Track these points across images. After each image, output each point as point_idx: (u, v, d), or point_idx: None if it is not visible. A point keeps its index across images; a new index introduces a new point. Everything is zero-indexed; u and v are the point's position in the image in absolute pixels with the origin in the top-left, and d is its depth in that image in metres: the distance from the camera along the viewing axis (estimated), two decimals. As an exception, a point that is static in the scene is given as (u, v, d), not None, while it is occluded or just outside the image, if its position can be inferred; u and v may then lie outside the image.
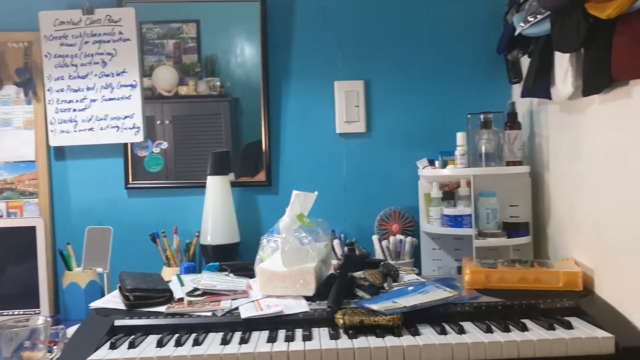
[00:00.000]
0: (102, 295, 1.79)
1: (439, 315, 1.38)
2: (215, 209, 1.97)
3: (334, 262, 1.76)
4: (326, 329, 1.34)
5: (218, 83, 2.10)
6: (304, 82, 2.11)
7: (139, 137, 2.04)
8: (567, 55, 1.48)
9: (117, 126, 2.04)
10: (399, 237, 1.98)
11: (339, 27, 2.11)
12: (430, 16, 2.10)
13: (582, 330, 1.29)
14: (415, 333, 1.29)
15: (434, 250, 2.00)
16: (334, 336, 1.28)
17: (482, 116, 1.89)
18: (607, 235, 1.46)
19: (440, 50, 2.11)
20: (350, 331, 1.29)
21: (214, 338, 1.31)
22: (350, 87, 2.10)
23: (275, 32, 2.10)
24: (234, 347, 1.24)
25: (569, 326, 1.31)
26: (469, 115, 1.92)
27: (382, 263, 1.65)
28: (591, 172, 1.54)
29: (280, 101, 2.11)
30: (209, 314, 1.40)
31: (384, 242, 1.97)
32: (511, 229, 1.84)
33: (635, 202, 1.32)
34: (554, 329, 1.30)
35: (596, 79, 1.38)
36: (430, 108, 2.11)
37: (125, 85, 2.03)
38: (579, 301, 1.44)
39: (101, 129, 2.04)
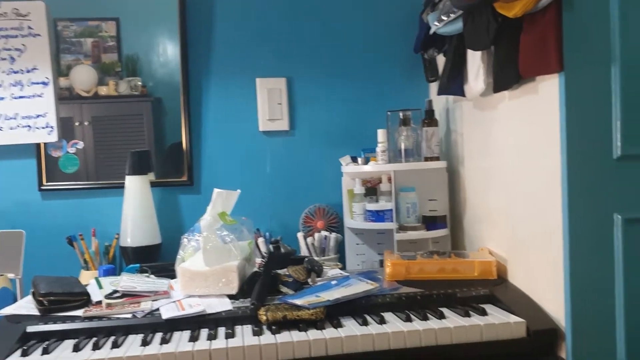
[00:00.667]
0: (15, 302, 1.70)
1: (361, 307, 1.41)
2: (134, 209, 1.92)
3: (259, 260, 1.76)
4: (250, 326, 1.34)
5: (140, 83, 2.05)
6: (225, 80, 2.09)
7: (53, 137, 1.96)
8: (478, 53, 1.55)
9: (28, 125, 1.95)
10: (324, 233, 2.00)
11: (260, 24, 2.10)
12: (350, 15, 2.13)
13: (496, 317, 1.35)
14: (338, 325, 1.31)
15: (357, 245, 2.03)
16: (257, 332, 1.28)
17: (401, 114, 1.94)
18: (518, 226, 1.53)
19: (360, 49, 2.14)
20: (274, 327, 1.30)
21: (134, 340, 1.28)
22: (273, 85, 2.10)
23: (195, 30, 2.07)
24: (154, 348, 1.22)
25: (483, 313, 1.37)
26: (388, 113, 1.97)
27: (306, 259, 1.66)
28: (501, 166, 1.61)
29: (202, 99, 2.08)
30: (129, 316, 1.36)
31: (309, 239, 1.98)
32: (430, 222, 1.90)
33: (542, 194, 1.39)
34: (469, 316, 1.35)
35: (505, 76, 1.44)
36: (352, 106, 2.14)
37: (37, 83, 1.94)
38: (493, 289, 1.50)
39: (11, 129, 1.95)
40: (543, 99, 1.36)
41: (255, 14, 2.10)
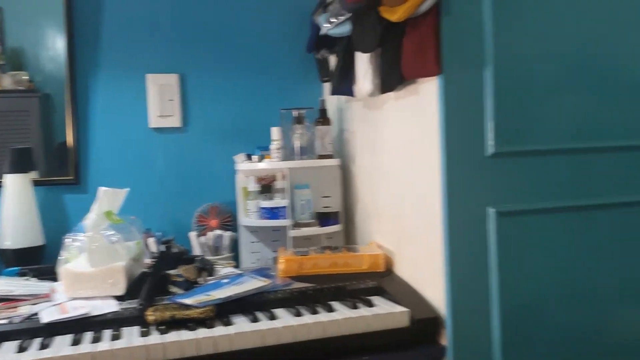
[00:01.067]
0: None
1: (252, 305, 1.41)
2: (14, 209, 1.81)
3: (148, 260, 1.72)
4: (137, 327, 1.31)
5: (26, 77, 1.93)
6: (115, 75, 2.02)
7: None
8: (366, 55, 1.60)
9: None
10: (218, 232, 1.98)
11: (152, 19, 2.05)
12: (244, 12, 2.13)
13: (382, 307, 1.40)
14: (228, 323, 1.31)
15: (252, 243, 2.04)
16: (145, 333, 1.25)
17: (294, 112, 1.96)
18: (403, 220, 1.60)
19: (255, 47, 2.14)
20: (162, 327, 1.28)
21: (9, 347, 1.21)
22: (165, 81, 2.05)
23: (83, 23, 1.98)
24: (32, 354, 1.16)
25: (370, 304, 1.42)
26: (282, 111, 1.99)
27: (197, 258, 1.65)
28: (388, 164, 1.68)
29: (89, 95, 2.00)
30: (5, 321, 1.29)
31: (203, 238, 1.96)
32: (324, 219, 1.94)
33: (423, 190, 1.46)
34: (357, 307, 1.40)
35: (390, 78, 1.50)
36: (247, 103, 2.14)
37: None
38: (380, 281, 1.56)
39: None
40: (424, 100, 1.44)
41: (145, 8, 2.04)
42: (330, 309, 1.39)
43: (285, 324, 1.29)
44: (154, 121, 2.05)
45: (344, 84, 1.73)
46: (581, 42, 1.43)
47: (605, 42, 1.45)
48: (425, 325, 1.38)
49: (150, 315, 1.29)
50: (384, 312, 1.37)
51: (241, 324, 1.30)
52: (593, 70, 1.44)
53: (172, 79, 2.06)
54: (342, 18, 1.60)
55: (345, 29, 1.61)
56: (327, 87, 2.11)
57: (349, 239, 2.02)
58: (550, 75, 1.41)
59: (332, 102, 2.09)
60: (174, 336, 1.23)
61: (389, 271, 1.66)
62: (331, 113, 2.06)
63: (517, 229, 1.40)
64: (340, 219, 1.98)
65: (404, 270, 1.61)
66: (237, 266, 1.84)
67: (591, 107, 1.45)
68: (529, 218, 1.41)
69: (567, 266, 1.43)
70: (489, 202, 1.38)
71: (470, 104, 1.36)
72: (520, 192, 1.40)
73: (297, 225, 1.90)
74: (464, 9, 1.34)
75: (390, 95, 1.61)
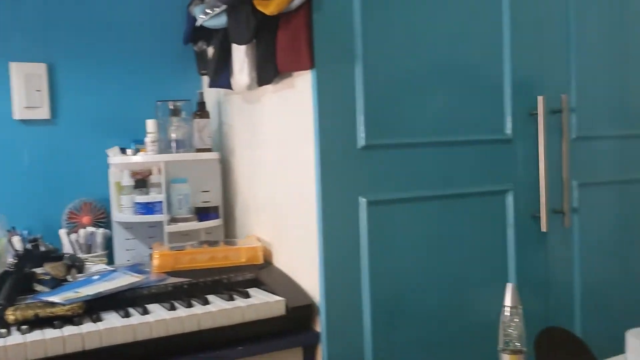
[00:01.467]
0: None
1: (125, 300, 1.38)
2: None
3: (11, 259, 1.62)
4: (-5, 328, 1.23)
5: None
6: (-28, 63, 1.88)
7: None
8: (243, 47, 1.60)
9: None
10: (90, 229, 1.90)
11: (16, 5, 1.92)
12: (120, 2, 2.05)
13: (258, 298, 1.42)
14: (97, 320, 1.26)
15: (127, 240, 1.97)
16: (4, 334, 1.18)
17: (171, 104, 1.92)
18: (280, 213, 1.63)
19: (131, 37, 2.07)
20: (24, 326, 1.21)
21: None
22: (31, 70, 1.93)
23: None
24: None
25: (247, 296, 1.43)
26: (158, 103, 1.94)
27: (65, 255, 1.57)
28: (266, 157, 1.70)
29: (-57, 83, 1.85)
30: None
31: (74, 236, 1.87)
32: (203, 213, 1.92)
33: (299, 182, 1.49)
34: (233, 299, 1.40)
35: (266, 71, 1.52)
36: (122, 95, 2.07)
37: None
38: (258, 273, 1.58)
39: None
40: (299, 94, 1.47)
41: (8, -8, 1.92)
42: (206, 302, 1.38)
43: (157, 318, 1.27)
44: (19, 113, 1.92)
45: (221, 76, 1.73)
46: (445, 45, 1.53)
47: (466, 46, 1.56)
48: (300, 313, 1.42)
49: (11, 315, 1.22)
50: (259, 302, 1.39)
51: (111, 320, 1.26)
52: (455, 70, 1.55)
53: (39, 68, 1.94)
54: (217, 10, 1.59)
55: (221, 21, 1.60)
56: (206, 79, 2.09)
57: (229, 233, 2.02)
58: (417, 73, 1.50)
59: (212, 95, 2.08)
60: (37, 335, 1.17)
61: (267, 263, 1.68)
62: (210, 106, 2.04)
63: (386, 217, 1.47)
64: (219, 213, 1.96)
65: (282, 262, 1.64)
66: (109, 263, 1.78)
67: (453, 104, 1.55)
68: (397, 207, 1.48)
69: (432, 252, 1.53)
70: (361, 192, 1.44)
71: (342, 97, 1.41)
72: (389, 182, 1.48)
73: (174, 220, 1.87)
74: (335, 6, 1.39)
75: (268, 88, 1.63)
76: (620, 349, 1.36)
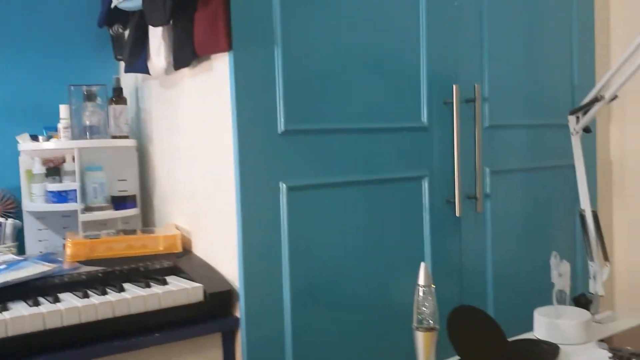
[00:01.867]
0: None
1: (35, 290, 1.33)
2: None
3: None
4: None
5: None
6: None
7: None
8: (159, 29, 1.57)
9: None
10: (-2, 219, 1.81)
11: None
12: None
13: (175, 285, 1.39)
14: (4, 309, 1.20)
15: (40, 231, 1.89)
16: None
17: (85, 89, 1.86)
18: (200, 200, 1.60)
19: (42, 19, 1.98)
20: None
21: None
22: None
23: None
24: None
25: (164, 283, 1.40)
26: (72, 87, 1.87)
27: (-31, 244, 1.49)
28: (185, 144, 1.67)
29: None
30: None
31: (-20, 226, 1.77)
32: (119, 202, 1.87)
33: (218, 168, 1.48)
34: (150, 287, 1.37)
35: (183, 53, 1.49)
36: (33, 80, 1.97)
37: None
38: (177, 261, 1.55)
39: None
40: (217, 77, 1.45)
41: None
42: (122, 290, 1.34)
43: (69, 306, 1.22)
44: None
45: (137, 60, 1.68)
46: (364, 34, 1.55)
47: (384, 36, 1.59)
48: (219, 299, 1.40)
49: None
50: (176, 288, 1.36)
51: (19, 309, 1.21)
52: (374, 59, 1.58)
53: (-61, 49, 1.83)
54: (133, -9, 1.55)
55: (137, 3, 1.56)
56: (123, 64, 2.03)
57: (147, 222, 1.97)
58: (337, 60, 1.51)
59: (129, 81, 2.02)
60: None
61: (186, 251, 1.65)
62: (128, 92, 1.99)
63: (307, 203, 1.48)
64: (137, 202, 1.91)
65: (201, 249, 1.62)
66: (19, 253, 1.69)
67: (372, 92, 1.58)
68: (317, 192, 1.50)
69: (352, 237, 1.55)
70: (280, 177, 1.44)
71: (261, 81, 1.40)
72: (310, 167, 1.48)
73: (88, 209, 1.80)
74: (254, -13, 1.38)
75: (186, 72, 1.60)
76: (529, 326, 1.44)
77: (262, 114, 1.41)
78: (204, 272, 1.49)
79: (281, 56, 1.42)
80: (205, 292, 1.39)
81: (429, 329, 1.15)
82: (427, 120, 1.68)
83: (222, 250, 1.50)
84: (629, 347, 1.28)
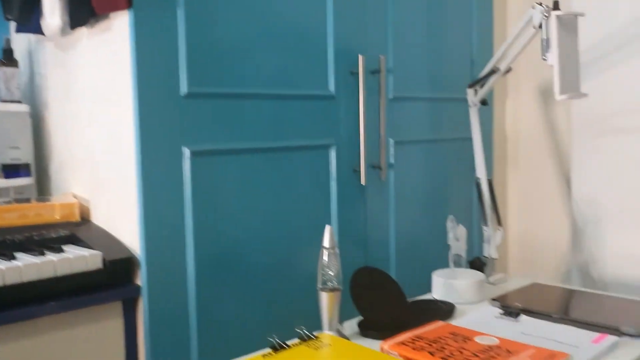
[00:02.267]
0: None
1: None
2: None
3: None
4: None
5: None
6: None
7: None
8: (53, -14, 1.48)
9: None
10: None
11: None
12: None
13: (72, 252, 1.34)
14: None
15: None
16: None
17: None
18: (99, 167, 1.54)
19: None
20: None
21: None
22: None
23: None
24: None
25: (60, 251, 1.34)
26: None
27: None
28: (83, 109, 1.59)
29: None
30: None
31: None
32: (11, 171, 1.76)
33: (118, 134, 1.42)
34: (44, 255, 1.31)
35: (80, 12, 1.42)
36: None
37: None
38: (75, 230, 1.49)
39: None
40: (117, 37, 1.39)
41: None
42: (13, 258, 1.27)
43: (-48, 275, 1.15)
44: None
45: (29, 19, 1.58)
46: (273, 2, 1.54)
47: (292, 4, 1.59)
48: (119, 266, 1.36)
49: None
50: (73, 256, 1.31)
51: None
52: (281, 25, 1.57)
53: None
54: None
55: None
56: (14, 24, 1.90)
57: (43, 191, 1.87)
58: (243, 25, 1.49)
59: (22, 43, 1.89)
60: None
61: (85, 220, 1.58)
62: (20, 55, 1.86)
63: (212, 169, 1.46)
64: (31, 171, 1.81)
65: (101, 218, 1.56)
66: None
67: (280, 59, 1.58)
68: (222, 158, 1.48)
69: (258, 205, 1.55)
70: (183, 142, 1.41)
71: (163, 42, 1.36)
72: (215, 132, 1.46)
73: (-28, 178, 1.69)
74: (154, -57, 1.33)
75: (84, 32, 1.52)
76: (429, 289, 1.50)
77: (163, 75, 1.37)
78: (103, 240, 1.44)
79: (184, 17, 1.38)
80: (104, 260, 1.34)
81: (333, 289, 1.18)
82: (334, 89, 1.70)
83: (122, 219, 1.45)
84: (518, 304, 1.37)
